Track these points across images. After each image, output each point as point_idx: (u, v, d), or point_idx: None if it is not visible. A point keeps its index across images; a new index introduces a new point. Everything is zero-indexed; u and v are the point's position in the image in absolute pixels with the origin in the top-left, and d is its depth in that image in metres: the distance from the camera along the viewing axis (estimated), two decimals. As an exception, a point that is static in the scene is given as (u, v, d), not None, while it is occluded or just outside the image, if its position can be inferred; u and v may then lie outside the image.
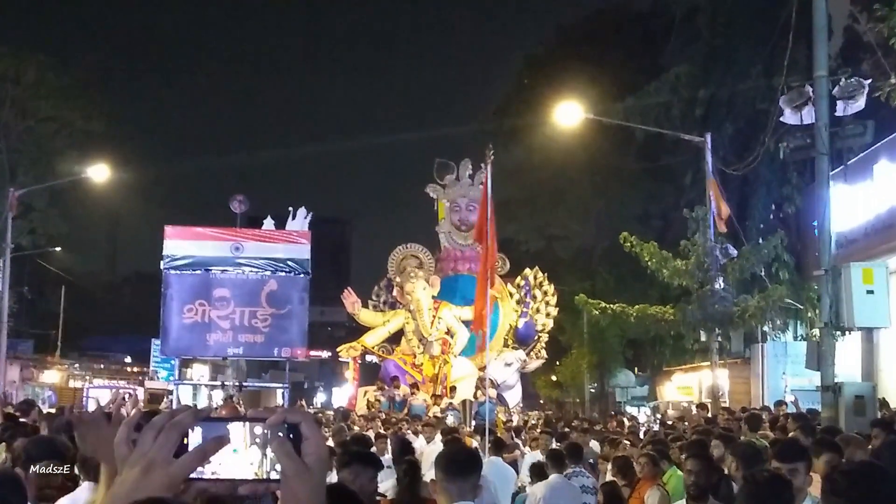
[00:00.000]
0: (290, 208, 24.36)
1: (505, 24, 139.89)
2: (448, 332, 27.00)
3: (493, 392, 19.01)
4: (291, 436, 1.46)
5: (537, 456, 12.37)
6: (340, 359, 31.93)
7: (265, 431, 1.47)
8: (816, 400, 15.77)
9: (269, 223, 24.31)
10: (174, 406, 21.18)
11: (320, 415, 20.55)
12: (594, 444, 14.41)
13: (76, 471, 6.22)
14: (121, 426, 1.58)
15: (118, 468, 1.50)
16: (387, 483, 8.09)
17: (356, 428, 17.29)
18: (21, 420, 12.93)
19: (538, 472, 10.09)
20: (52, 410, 18.28)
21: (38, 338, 43.68)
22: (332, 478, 6.25)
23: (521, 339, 28.19)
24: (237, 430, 1.47)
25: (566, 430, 17.60)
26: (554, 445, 12.97)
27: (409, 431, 16.12)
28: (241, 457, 1.47)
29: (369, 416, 20.16)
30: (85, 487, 5.61)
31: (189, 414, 1.48)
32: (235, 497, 1.50)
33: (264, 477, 1.47)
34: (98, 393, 30.20)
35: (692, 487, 6.37)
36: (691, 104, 28.44)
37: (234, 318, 22.01)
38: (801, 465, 5.75)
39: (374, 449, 10.40)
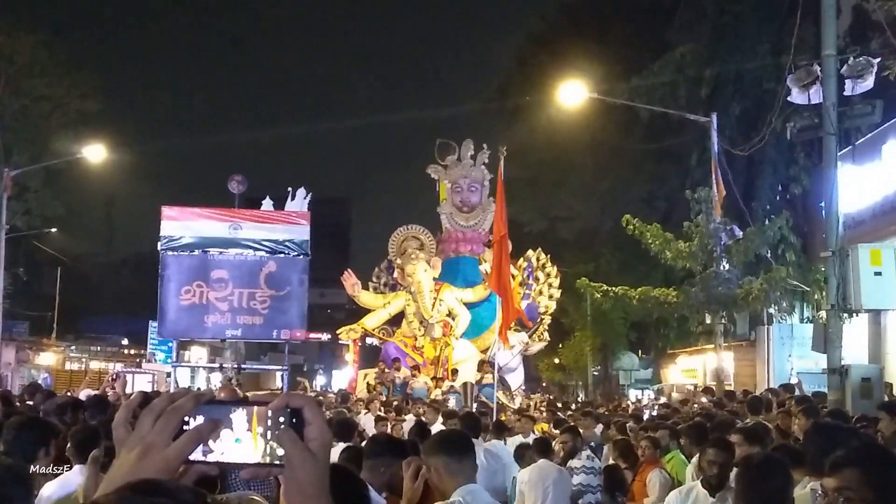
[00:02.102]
0: (290, 189, 24.09)
1: (508, 0, 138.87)
2: (449, 315, 26.81)
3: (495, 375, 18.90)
4: (294, 420, 1.46)
5: (518, 440, 12.25)
6: (340, 341, 31.79)
7: (268, 416, 1.45)
8: (823, 382, 15.64)
9: (267, 204, 24.06)
10: (172, 389, 21.06)
11: (321, 397, 20.37)
12: (597, 429, 14.20)
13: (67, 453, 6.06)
14: (120, 408, 1.56)
15: (116, 451, 1.47)
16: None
17: (360, 410, 17.11)
18: (28, 402, 12.91)
19: (520, 456, 9.93)
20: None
21: (33, 320, 43.51)
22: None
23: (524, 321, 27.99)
24: (239, 414, 1.46)
25: (569, 412, 17.47)
26: (535, 432, 12.80)
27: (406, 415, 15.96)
28: (245, 441, 1.45)
29: (369, 398, 19.98)
30: (76, 470, 5.44)
31: (190, 398, 1.47)
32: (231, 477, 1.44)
33: (267, 461, 1.45)
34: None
35: (714, 479, 6.12)
36: (697, 83, 28.11)
37: (233, 299, 21.77)
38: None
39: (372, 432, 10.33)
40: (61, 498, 4.81)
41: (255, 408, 1.46)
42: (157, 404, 1.46)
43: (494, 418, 13.92)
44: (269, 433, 1.45)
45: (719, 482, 6.10)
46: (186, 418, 1.45)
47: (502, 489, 9.52)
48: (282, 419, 1.46)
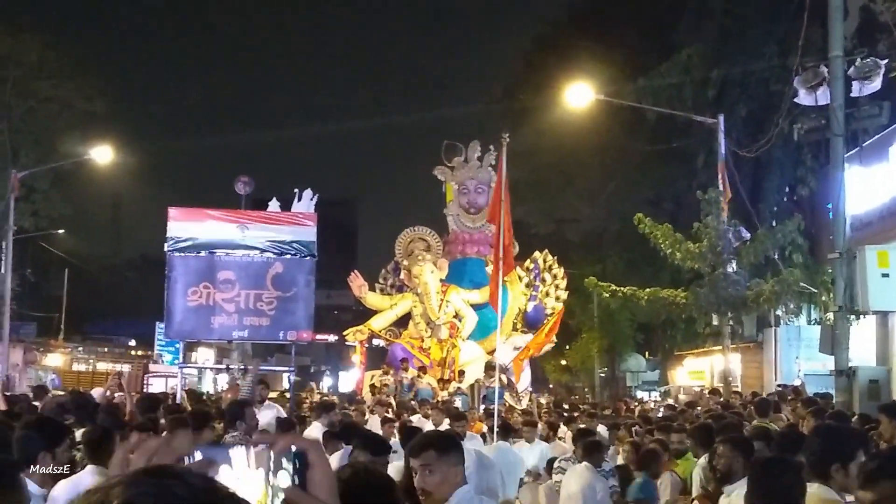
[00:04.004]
0: (296, 190, 24.05)
1: (514, 2, 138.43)
2: (456, 316, 26.79)
3: (503, 378, 18.88)
4: (297, 462, 1.42)
5: (523, 446, 12.25)
6: (347, 342, 31.76)
7: (270, 458, 1.42)
8: (830, 384, 15.61)
9: (274, 205, 23.99)
10: (179, 390, 21.09)
11: (325, 398, 20.34)
12: (601, 429, 14.21)
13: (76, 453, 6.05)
14: (116, 451, 1.54)
15: None
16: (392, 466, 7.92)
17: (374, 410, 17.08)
18: (34, 404, 12.98)
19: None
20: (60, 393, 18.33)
21: (41, 321, 43.57)
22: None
23: (531, 322, 27.97)
24: (240, 453, 1.41)
25: (574, 414, 17.43)
26: (537, 438, 12.78)
27: (413, 416, 15.92)
28: (245, 481, 1.40)
29: (375, 400, 19.97)
30: (89, 470, 5.45)
31: (188, 441, 1.31)
32: None
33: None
34: (154, 381, 30.17)
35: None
36: (704, 85, 28.10)
37: (240, 300, 21.71)
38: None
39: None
40: (72, 497, 4.81)
41: (257, 449, 1.44)
42: (152, 445, 1.45)
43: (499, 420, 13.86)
44: (270, 476, 1.42)
45: (724, 478, 6.12)
46: (185, 458, 1.42)
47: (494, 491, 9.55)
48: (285, 461, 1.43)
